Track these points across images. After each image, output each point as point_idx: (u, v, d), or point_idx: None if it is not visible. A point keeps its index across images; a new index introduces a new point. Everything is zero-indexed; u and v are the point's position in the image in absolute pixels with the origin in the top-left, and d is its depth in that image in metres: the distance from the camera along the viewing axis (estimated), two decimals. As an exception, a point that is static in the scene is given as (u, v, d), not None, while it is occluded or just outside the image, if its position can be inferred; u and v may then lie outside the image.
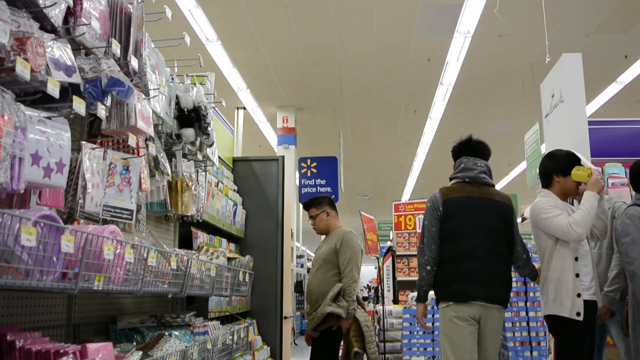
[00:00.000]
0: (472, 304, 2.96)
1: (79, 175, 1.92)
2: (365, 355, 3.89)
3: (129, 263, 1.92)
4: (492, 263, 3.04)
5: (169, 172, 2.78)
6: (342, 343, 4.04)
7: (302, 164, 9.70)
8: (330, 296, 3.78)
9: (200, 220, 3.49)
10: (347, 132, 11.79)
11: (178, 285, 2.48)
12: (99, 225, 1.90)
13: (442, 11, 6.95)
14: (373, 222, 8.10)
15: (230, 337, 3.38)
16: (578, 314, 2.89)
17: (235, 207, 4.46)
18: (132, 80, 2.14)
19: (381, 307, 6.02)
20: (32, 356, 1.63)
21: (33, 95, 1.69)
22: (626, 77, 8.83)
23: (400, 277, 8.00)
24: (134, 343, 2.48)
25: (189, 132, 2.88)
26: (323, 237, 4.25)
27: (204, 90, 3.10)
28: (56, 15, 1.71)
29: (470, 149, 3.24)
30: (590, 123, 4.23)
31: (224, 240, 4.31)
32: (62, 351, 1.64)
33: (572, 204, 3.32)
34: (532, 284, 4.79)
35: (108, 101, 1.92)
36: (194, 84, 3.04)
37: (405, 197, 18.20)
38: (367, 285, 20.26)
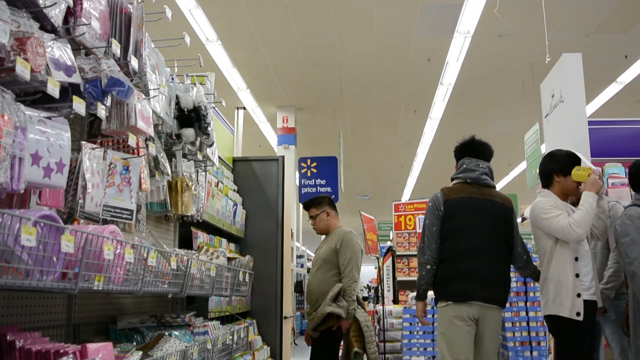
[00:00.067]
0: (470, 304, 2.99)
1: (79, 175, 1.92)
2: (365, 355, 3.89)
3: (129, 263, 1.92)
4: (492, 263, 3.06)
5: (169, 172, 2.78)
6: (342, 343, 4.04)
7: (302, 164, 9.70)
8: (330, 296, 3.78)
9: (200, 220, 3.49)
10: (347, 132, 11.79)
11: (178, 285, 2.48)
12: (99, 225, 1.90)
13: (442, 11, 6.95)
14: (373, 222, 8.10)
15: (230, 337, 3.38)
16: (578, 314, 2.90)
17: (235, 207, 4.46)
18: (132, 80, 2.14)
19: (381, 307, 6.02)
20: (32, 356, 1.63)
21: (33, 95, 1.69)
22: (626, 77, 8.83)
23: (400, 277, 8.00)
24: (134, 343, 2.48)
25: (189, 132, 2.88)
26: (323, 237, 4.25)
27: (204, 90, 3.10)
28: (56, 15, 1.71)
29: (473, 150, 3.25)
30: (590, 123, 4.23)
31: (224, 240, 4.31)
32: (62, 351, 1.64)
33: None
34: (532, 284, 4.79)
35: (108, 101, 1.92)
36: (194, 84, 3.04)
37: (405, 197, 18.20)
38: (367, 285, 20.26)
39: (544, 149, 4.56)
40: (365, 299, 11.77)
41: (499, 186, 15.48)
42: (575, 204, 3.13)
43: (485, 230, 3.10)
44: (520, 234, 3.30)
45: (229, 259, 3.77)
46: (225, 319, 4.20)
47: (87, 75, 1.85)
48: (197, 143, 3.02)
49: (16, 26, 1.52)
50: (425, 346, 5.34)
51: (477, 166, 3.20)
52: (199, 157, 3.24)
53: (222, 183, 4.19)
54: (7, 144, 1.38)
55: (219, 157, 3.77)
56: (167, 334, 2.51)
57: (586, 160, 3.23)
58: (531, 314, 4.81)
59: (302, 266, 12.85)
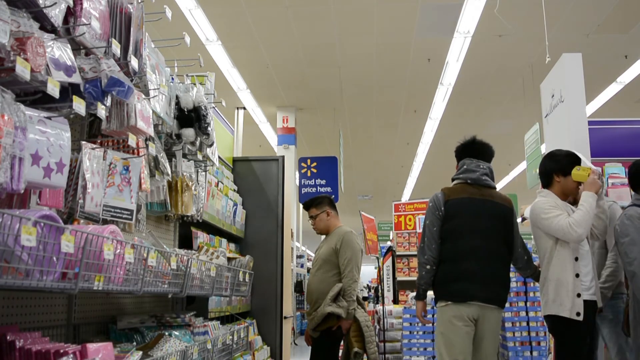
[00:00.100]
0: (470, 304, 3.00)
1: (79, 175, 1.92)
2: (365, 355, 3.89)
3: (129, 263, 1.92)
4: (492, 264, 3.07)
5: (169, 172, 2.78)
6: (342, 343, 4.04)
7: (302, 164, 9.70)
8: (330, 296, 3.78)
9: (200, 220, 3.49)
10: (347, 132, 11.79)
11: (178, 285, 2.48)
12: (99, 225, 1.90)
13: (442, 11, 6.95)
14: (373, 222, 8.10)
15: (230, 337, 3.38)
16: (578, 314, 2.90)
17: (235, 207, 4.46)
18: (132, 80, 2.14)
19: (381, 307, 6.02)
20: (32, 356, 1.63)
21: (33, 95, 1.69)
22: (626, 77, 8.83)
23: (400, 277, 8.00)
24: (134, 343, 2.48)
25: (189, 132, 2.88)
26: (323, 237, 4.25)
27: (204, 90, 3.10)
28: (56, 15, 1.71)
29: (474, 151, 3.26)
30: (590, 123, 4.23)
31: (224, 240, 4.31)
32: (62, 351, 1.64)
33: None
34: (532, 284, 4.79)
35: (108, 101, 1.92)
36: (194, 84, 3.04)
37: (405, 197, 18.20)
38: (367, 285, 20.26)
39: (544, 149, 4.56)
40: (365, 299, 11.77)
41: (499, 186, 15.48)
42: (573, 204, 3.13)
43: (486, 230, 3.10)
44: (520, 234, 3.30)
45: (229, 259, 3.77)
46: (225, 319, 4.20)
47: (87, 75, 1.85)
48: (197, 143, 3.02)
49: (16, 26, 1.52)
50: (425, 346, 5.34)
51: (477, 167, 3.21)
52: (199, 157, 3.24)
53: (222, 183, 4.19)
54: (7, 144, 1.38)
55: (219, 157, 3.77)
56: (167, 334, 2.51)
57: (586, 160, 3.23)
58: (531, 314, 4.81)
59: (302, 266, 12.85)
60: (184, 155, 3.11)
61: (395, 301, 7.87)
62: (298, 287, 11.51)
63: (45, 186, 1.60)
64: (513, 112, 10.41)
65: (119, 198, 2.12)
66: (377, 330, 6.03)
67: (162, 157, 2.68)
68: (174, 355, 2.33)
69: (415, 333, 5.46)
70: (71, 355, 1.64)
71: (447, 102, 9.91)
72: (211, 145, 3.17)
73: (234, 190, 4.73)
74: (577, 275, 2.95)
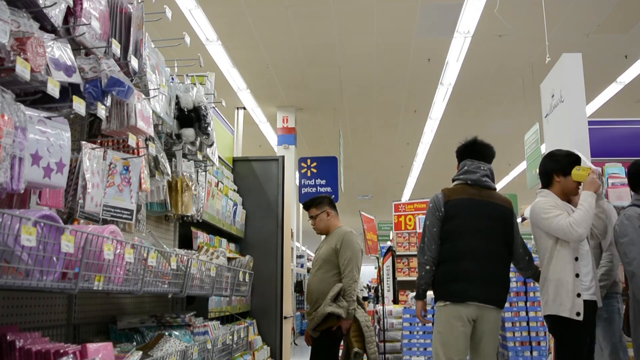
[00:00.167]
0: (468, 304, 3.01)
1: (79, 175, 1.92)
2: (365, 355, 3.89)
3: (129, 263, 1.92)
4: (491, 264, 3.08)
5: (169, 172, 2.78)
6: (342, 343, 4.04)
7: (302, 164, 9.70)
8: (330, 296, 3.78)
9: (200, 220, 3.49)
10: (347, 132, 11.79)
11: (178, 285, 2.48)
12: (99, 225, 1.90)
13: (442, 11, 6.95)
14: (373, 222, 8.10)
15: (230, 337, 3.38)
16: (578, 314, 2.90)
17: (235, 207, 4.46)
18: (132, 80, 2.14)
19: (381, 307, 6.02)
20: (32, 356, 1.63)
21: (33, 95, 1.69)
22: (626, 77, 8.83)
23: (400, 277, 8.00)
24: (134, 343, 2.48)
25: (189, 132, 2.88)
26: (323, 237, 4.25)
27: (204, 90, 3.10)
28: (56, 15, 1.71)
29: (475, 152, 3.27)
30: (590, 123, 4.23)
31: (224, 240, 4.31)
32: (62, 351, 1.64)
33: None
34: (532, 284, 4.79)
35: (108, 101, 1.92)
36: (194, 84, 3.04)
37: (405, 197, 18.20)
38: (367, 285, 20.26)
39: (544, 149, 4.56)
40: (365, 299, 11.77)
41: (499, 186, 15.48)
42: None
43: (486, 231, 3.11)
44: (520, 234, 3.31)
45: (229, 259, 3.77)
46: (225, 319, 4.20)
47: (87, 75, 1.85)
48: (197, 143, 3.02)
49: (16, 26, 1.52)
50: (425, 346, 5.34)
51: (478, 168, 3.22)
52: (199, 157, 3.24)
53: (222, 183, 4.19)
54: (7, 144, 1.38)
55: (219, 157, 3.77)
56: (167, 334, 2.51)
57: (586, 160, 3.24)
58: (531, 314, 4.81)
59: (302, 266, 12.85)
60: (184, 155, 3.11)
61: (395, 301, 7.87)
62: (298, 287, 11.51)
63: (45, 186, 1.60)
64: (513, 112, 10.41)
65: (119, 198, 2.12)
66: (377, 330, 6.03)
67: (162, 157, 2.68)
68: (174, 355, 2.33)
69: (415, 333, 5.46)
70: (71, 355, 1.64)
71: (447, 102, 9.91)
72: (211, 145, 3.17)
73: (234, 190, 4.73)
74: (577, 275, 2.95)
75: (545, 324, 3.63)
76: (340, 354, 4.06)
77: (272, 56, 8.33)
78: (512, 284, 4.61)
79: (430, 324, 5.24)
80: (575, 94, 4.18)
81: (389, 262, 8.19)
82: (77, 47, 1.91)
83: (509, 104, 10.19)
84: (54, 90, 1.61)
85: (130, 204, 2.19)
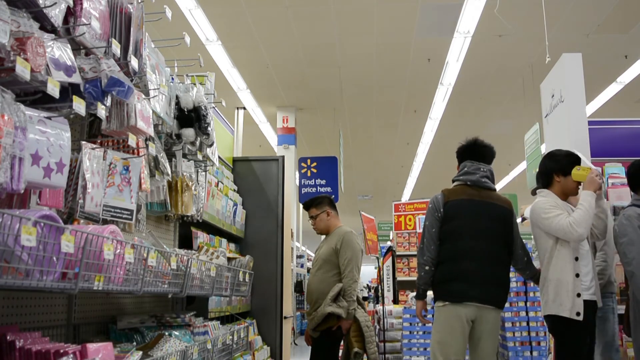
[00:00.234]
0: (467, 304, 3.02)
1: (79, 175, 1.92)
2: (365, 355, 3.89)
3: (129, 263, 1.92)
4: (490, 265, 3.09)
5: (169, 172, 2.78)
6: (342, 343, 4.04)
7: (302, 164, 9.70)
8: (330, 296, 3.78)
9: (200, 220, 3.49)
10: (347, 132, 11.79)
11: (178, 285, 2.48)
12: (99, 225, 1.90)
13: (442, 11, 6.95)
14: (373, 222, 8.10)
15: (230, 337, 3.38)
16: (578, 313, 2.90)
17: (235, 207, 4.46)
18: (132, 80, 2.14)
19: (381, 307, 6.02)
20: (32, 356, 1.63)
21: (33, 95, 1.69)
22: (626, 77, 8.83)
23: (400, 277, 8.00)
24: (134, 343, 2.48)
25: (189, 132, 2.88)
26: (323, 237, 4.25)
27: (204, 90, 3.10)
28: (56, 15, 1.71)
29: (475, 153, 3.27)
30: (590, 123, 4.23)
31: (224, 240, 4.31)
32: (62, 351, 1.64)
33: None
34: (532, 284, 4.79)
35: (108, 101, 1.92)
36: (194, 84, 3.04)
37: (405, 197, 18.20)
38: (367, 285, 20.26)
39: (544, 149, 4.56)
40: (365, 299, 11.77)
41: (499, 186, 15.48)
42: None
43: (485, 231, 3.12)
44: (520, 235, 3.31)
45: (229, 259, 3.77)
46: (225, 319, 4.20)
47: (87, 75, 1.85)
48: (197, 143, 3.02)
49: (16, 26, 1.52)
50: (425, 346, 5.34)
51: (477, 169, 3.23)
52: (199, 157, 3.24)
53: (222, 183, 4.19)
54: (7, 144, 1.38)
55: (219, 157, 3.77)
56: (167, 334, 2.51)
57: (586, 160, 3.24)
58: (531, 314, 4.81)
59: (302, 266, 12.85)
60: (184, 155, 3.11)
61: (395, 301, 7.87)
62: (298, 287, 11.51)
63: (45, 186, 1.60)
64: (513, 112, 10.41)
65: (119, 198, 2.12)
66: (377, 330, 6.03)
67: (162, 157, 2.68)
68: (174, 355, 2.33)
69: (415, 333, 5.46)
70: (71, 355, 1.64)
71: (447, 102, 9.91)
72: (211, 145, 3.17)
73: (234, 190, 4.73)
74: (577, 275, 2.95)
75: (545, 324, 3.63)
76: (340, 354, 4.06)
77: (272, 56, 8.33)
78: (512, 284, 4.60)
79: (430, 324, 5.25)
80: (575, 94, 4.18)
81: (389, 262, 8.19)
82: (77, 47, 1.91)
83: (509, 104, 10.19)
84: (54, 90, 1.61)
85: (130, 204, 2.19)
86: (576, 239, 2.94)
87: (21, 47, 1.50)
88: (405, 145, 13.04)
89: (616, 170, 4.10)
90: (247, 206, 4.88)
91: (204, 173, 3.52)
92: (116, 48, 2.02)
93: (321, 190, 9.37)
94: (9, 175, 1.40)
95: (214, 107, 3.64)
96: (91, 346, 1.75)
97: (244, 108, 10.19)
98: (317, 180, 9.55)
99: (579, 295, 2.92)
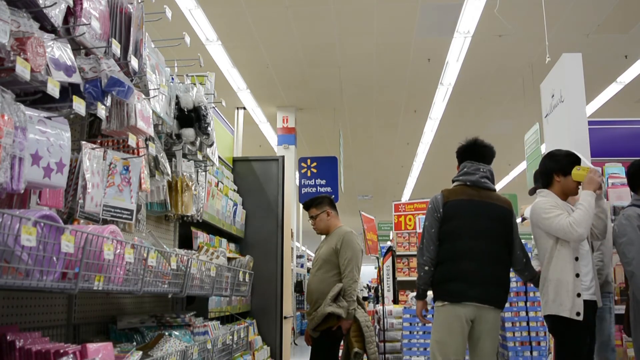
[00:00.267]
0: (465, 304, 3.03)
1: (79, 175, 1.92)
2: (365, 356, 3.89)
3: (129, 263, 1.92)
4: (489, 265, 3.09)
5: (169, 172, 2.78)
6: (342, 343, 4.04)
7: (302, 164, 9.70)
8: (330, 296, 3.78)
9: (200, 220, 3.49)
10: (347, 132, 11.79)
11: (178, 285, 2.48)
12: (99, 225, 1.90)
13: (442, 11, 6.95)
14: (373, 222, 8.10)
15: (230, 337, 3.38)
16: (578, 313, 2.90)
17: (235, 207, 4.46)
18: (132, 80, 2.14)
19: (381, 307, 6.02)
20: (32, 356, 1.63)
21: (33, 95, 1.69)
22: (626, 77, 8.83)
23: (400, 277, 8.00)
24: (134, 343, 2.48)
25: (189, 132, 2.88)
26: (323, 237, 4.25)
27: (204, 90, 3.10)
28: (56, 15, 1.71)
29: (474, 154, 3.27)
30: (590, 123, 4.23)
31: (224, 240, 4.31)
32: (62, 351, 1.64)
33: None
34: (532, 284, 4.79)
35: (108, 101, 1.92)
36: (194, 84, 3.04)
37: (405, 197, 18.20)
38: (367, 285, 20.26)
39: (544, 149, 4.56)
40: (365, 299, 11.77)
41: (499, 186, 15.48)
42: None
43: (485, 231, 3.12)
44: (520, 236, 3.31)
45: (229, 259, 3.77)
46: (225, 319, 4.20)
47: (87, 75, 1.85)
48: (197, 143, 3.02)
49: (16, 26, 1.52)
50: (425, 346, 5.34)
51: (477, 170, 3.23)
52: (199, 157, 3.24)
53: (222, 183, 4.19)
54: (7, 144, 1.38)
55: (219, 157, 3.77)
56: (167, 334, 2.51)
57: (586, 160, 3.24)
58: (531, 314, 4.81)
59: (302, 266, 12.85)
60: (184, 155, 3.11)
61: (395, 301, 7.87)
62: (298, 287, 11.51)
63: (45, 186, 1.60)
64: (513, 112, 10.41)
65: (119, 198, 2.12)
66: (377, 330, 6.03)
67: (162, 157, 2.68)
68: (174, 355, 2.33)
69: (415, 333, 5.46)
70: (71, 355, 1.64)
71: (447, 102, 9.90)
72: (211, 145, 3.17)
73: (234, 190, 4.73)
74: (577, 275, 2.95)
75: (545, 324, 3.63)
76: (340, 354, 4.06)
77: (272, 56, 8.33)
78: (512, 284, 4.60)
79: (430, 324, 5.25)
80: (575, 94, 4.19)
81: (389, 262, 8.19)
82: (77, 47, 1.91)
83: (509, 104, 10.19)
84: (54, 90, 1.61)
85: (130, 204, 2.19)
86: (576, 239, 2.94)
87: (21, 47, 1.50)
88: (405, 145, 13.04)
89: (616, 170, 4.10)
90: (247, 206, 4.88)
91: (204, 173, 3.52)
92: (116, 48, 2.02)
93: (321, 190, 9.37)
94: (9, 175, 1.40)
95: (214, 107, 3.64)
96: (91, 346, 1.75)
97: (244, 108, 10.19)
98: (317, 180, 9.55)
99: (579, 295, 2.92)
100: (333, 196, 6.70)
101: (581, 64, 4.23)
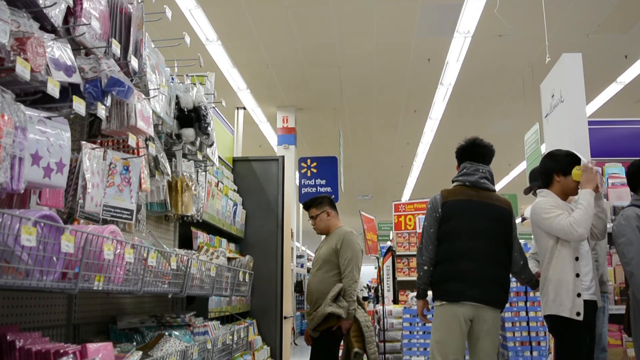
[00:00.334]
0: (463, 304, 3.03)
1: (79, 175, 1.92)
2: (365, 356, 3.89)
3: (129, 263, 1.92)
4: (488, 265, 3.09)
5: (169, 172, 2.78)
6: (342, 343, 4.04)
7: (302, 164, 9.70)
8: (330, 296, 3.78)
9: (200, 220, 3.49)
10: (347, 132, 11.79)
11: (178, 285, 2.48)
12: (99, 225, 1.90)
13: (442, 11, 6.95)
14: (373, 222, 8.10)
15: (230, 337, 3.38)
16: (578, 313, 2.90)
17: (235, 207, 4.46)
18: (132, 80, 2.14)
19: (381, 307, 6.02)
20: (32, 356, 1.63)
21: (33, 95, 1.69)
22: (626, 77, 8.83)
23: (400, 277, 8.00)
24: (134, 343, 2.48)
25: (189, 132, 2.88)
26: (323, 237, 4.25)
27: (204, 90, 3.10)
28: (56, 15, 1.71)
29: (474, 154, 3.27)
30: (590, 123, 4.23)
31: (224, 240, 4.31)
32: (62, 351, 1.64)
33: None
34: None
35: (108, 101, 1.92)
36: (194, 84, 3.04)
37: (405, 197, 18.20)
38: (367, 285, 20.26)
39: (544, 149, 4.56)
40: (365, 299, 11.76)
41: (498, 186, 15.48)
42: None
43: (484, 232, 3.12)
44: (518, 238, 3.31)
45: (229, 259, 3.77)
46: (225, 319, 4.20)
47: (87, 75, 1.85)
48: (197, 143, 3.02)
49: (16, 26, 1.52)
50: (425, 346, 5.34)
51: (476, 170, 3.24)
52: (199, 157, 3.24)
53: (222, 183, 4.19)
54: (7, 144, 1.38)
55: (219, 157, 3.77)
56: (167, 334, 2.51)
57: (586, 160, 3.23)
58: (531, 314, 4.81)
59: (302, 266, 12.85)
60: (184, 155, 3.11)
61: (395, 301, 7.87)
62: (298, 287, 11.51)
63: (45, 186, 1.60)
64: (513, 112, 10.41)
65: (119, 198, 2.12)
66: (377, 330, 6.03)
67: (162, 157, 2.68)
68: (174, 355, 2.33)
69: (415, 333, 5.46)
70: (71, 355, 1.64)
71: (447, 102, 9.90)
72: (211, 145, 3.17)
73: (234, 190, 4.73)
74: (578, 275, 2.95)
75: (545, 324, 3.63)
76: (340, 354, 4.06)
77: (272, 56, 8.33)
78: (512, 284, 4.60)
79: (430, 324, 5.25)
80: (575, 94, 4.18)
81: (389, 262, 8.19)
82: (77, 47, 1.91)
83: (509, 104, 10.19)
84: (54, 90, 1.61)
85: (130, 204, 2.19)
86: (577, 239, 2.94)
87: (21, 47, 1.50)
88: (405, 145, 13.04)
89: (616, 170, 4.10)
90: (247, 206, 4.88)
91: (204, 173, 3.52)
92: (116, 48, 2.02)
93: (321, 190, 9.37)
94: (9, 175, 1.40)
95: (214, 107, 3.64)
96: (91, 346, 1.75)
97: (244, 108, 10.19)
98: (317, 180, 9.55)
99: (579, 295, 2.92)
100: (333, 196, 6.70)
101: (581, 64, 4.22)
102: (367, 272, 20.48)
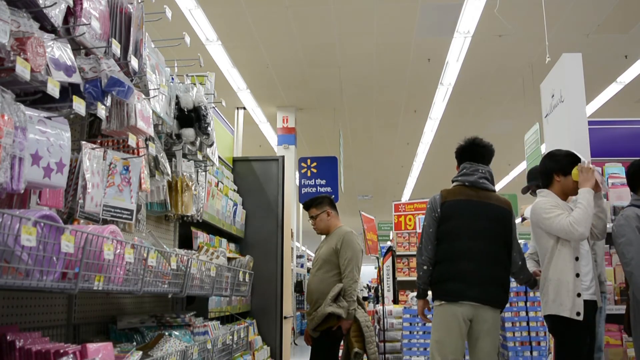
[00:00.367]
0: (462, 303, 3.03)
1: (79, 175, 1.92)
2: (365, 356, 3.89)
3: (129, 263, 1.92)
4: (487, 265, 3.09)
5: (169, 172, 2.78)
6: (342, 343, 4.04)
7: (302, 164, 9.70)
8: (330, 296, 3.78)
9: (200, 220, 3.49)
10: (347, 132, 11.79)
11: (178, 285, 2.48)
12: (99, 225, 1.90)
13: (442, 11, 6.95)
14: (373, 222, 8.10)
15: (230, 337, 3.38)
16: (578, 313, 2.90)
17: (235, 207, 4.46)
18: (132, 80, 2.14)
19: (381, 307, 6.02)
20: (32, 356, 1.63)
21: (33, 95, 1.69)
22: (626, 77, 8.83)
23: (400, 277, 8.00)
24: (134, 343, 2.48)
25: (189, 132, 2.88)
26: (323, 237, 4.25)
27: (204, 90, 3.10)
28: (56, 15, 1.71)
29: (473, 154, 3.27)
30: (590, 123, 4.23)
31: (224, 240, 4.31)
32: (62, 351, 1.64)
33: None
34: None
35: (108, 101, 1.92)
36: (194, 84, 3.04)
37: (405, 197, 18.20)
38: (367, 285, 20.26)
39: (544, 149, 4.56)
40: (365, 299, 11.76)
41: (498, 186, 15.49)
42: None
43: (483, 232, 3.12)
44: (517, 238, 3.31)
45: (229, 259, 3.77)
46: (225, 319, 4.20)
47: (87, 75, 1.85)
48: (197, 143, 3.02)
49: (16, 26, 1.52)
50: (425, 346, 5.34)
51: (476, 170, 3.24)
52: (199, 157, 3.24)
53: (222, 183, 4.19)
54: (7, 144, 1.38)
55: (219, 157, 3.77)
56: (167, 334, 2.51)
57: (585, 160, 3.23)
58: (531, 314, 4.81)
59: (302, 266, 12.85)
60: (184, 155, 3.11)
61: (395, 301, 7.87)
62: (298, 287, 11.51)
63: (45, 186, 1.60)
64: (513, 112, 10.41)
65: (119, 198, 2.12)
66: (377, 330, 6.03)
67: (162, 157, 2.68)
68: (174, 355, 2.33)
69: (415, 333, 5.46)
70: (71, 355, 1.64)
71: (447, 102, 9.91)
72: (211, 145, 3.17)
73: (234, 190, 4.73)
74: (578, 275, 2.95)
75: (545, 324, 3.63)
76: (340, 354, 4.06)
77: (272, 56, 8.33)
78: (512, 284, 4.60)
79: (430, 324, 5.25)
80: (575, 94, 4.18)
81: (389, 262, 8.19)
82: (77, 47, 1.91)
83: (509, 104, 10.19)
84: (54, 90, 1.61)
85: (130, 204, 2.19)
86: (577, 238, 2.94)
87: (21, 47, 1.50)
88: (405, 145, 13.04)
89: (616, 170, 4.10)
90: (247, 206, 4.88)
91: (204, 173, 3.52)
92: (116, 48, 2.02)
93: (321, 190, 9.37)
94: (9, 175, 1.40)
95: (214, 107, 3.64)
96: (91, 346, 1.75)
97: (244, 108, 10.19)
98: (317, 180, 9.55)
99: (579, 295, 2.92)
100: (333, 196, 6.70)
101: (581, 64, 4.22)
102: (367, 272, 20.48)
